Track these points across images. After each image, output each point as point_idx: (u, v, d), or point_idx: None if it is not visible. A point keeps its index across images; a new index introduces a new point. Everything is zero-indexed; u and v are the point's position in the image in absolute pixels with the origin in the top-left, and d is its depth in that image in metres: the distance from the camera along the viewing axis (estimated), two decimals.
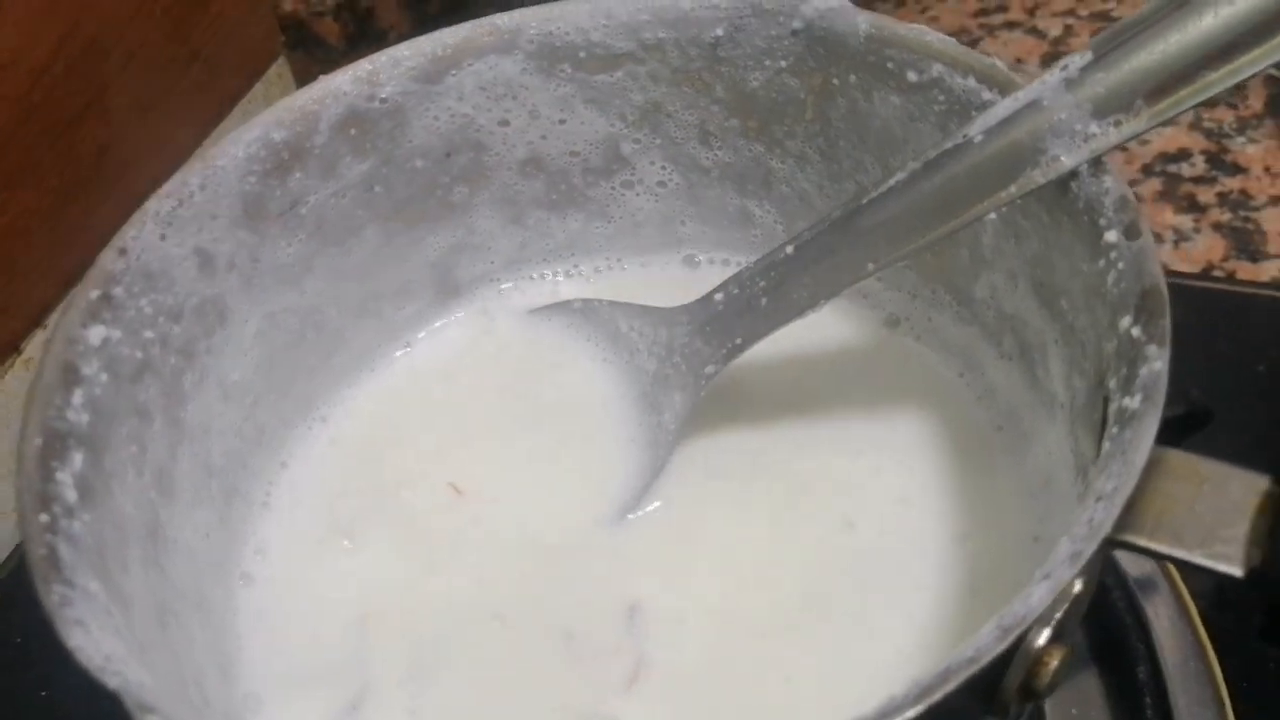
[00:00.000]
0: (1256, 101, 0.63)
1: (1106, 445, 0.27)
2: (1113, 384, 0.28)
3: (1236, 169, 0.60)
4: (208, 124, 0.59)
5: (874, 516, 0.36)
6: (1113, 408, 0.28)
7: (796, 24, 0.37)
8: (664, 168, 0.42)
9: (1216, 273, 0.55)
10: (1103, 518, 0.25)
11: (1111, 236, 0.30)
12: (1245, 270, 0.56)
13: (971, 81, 0.34)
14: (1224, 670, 0.39)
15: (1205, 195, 0.59)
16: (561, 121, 0.40)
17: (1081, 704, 0.39)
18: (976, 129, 0.32)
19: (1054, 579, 0.24)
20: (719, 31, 0.38)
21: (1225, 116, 0.62)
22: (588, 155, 0.41)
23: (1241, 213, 0.58)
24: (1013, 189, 0.31)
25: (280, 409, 0.39)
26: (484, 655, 0.35)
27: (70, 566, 0.27)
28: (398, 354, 0.42)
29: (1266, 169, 0.60)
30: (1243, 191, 0.59)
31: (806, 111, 0.39)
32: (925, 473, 0.37)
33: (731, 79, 0.39)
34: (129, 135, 0.54)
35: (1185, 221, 0.58)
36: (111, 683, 0.25)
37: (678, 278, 0.43)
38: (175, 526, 0.34)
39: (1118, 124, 0.30)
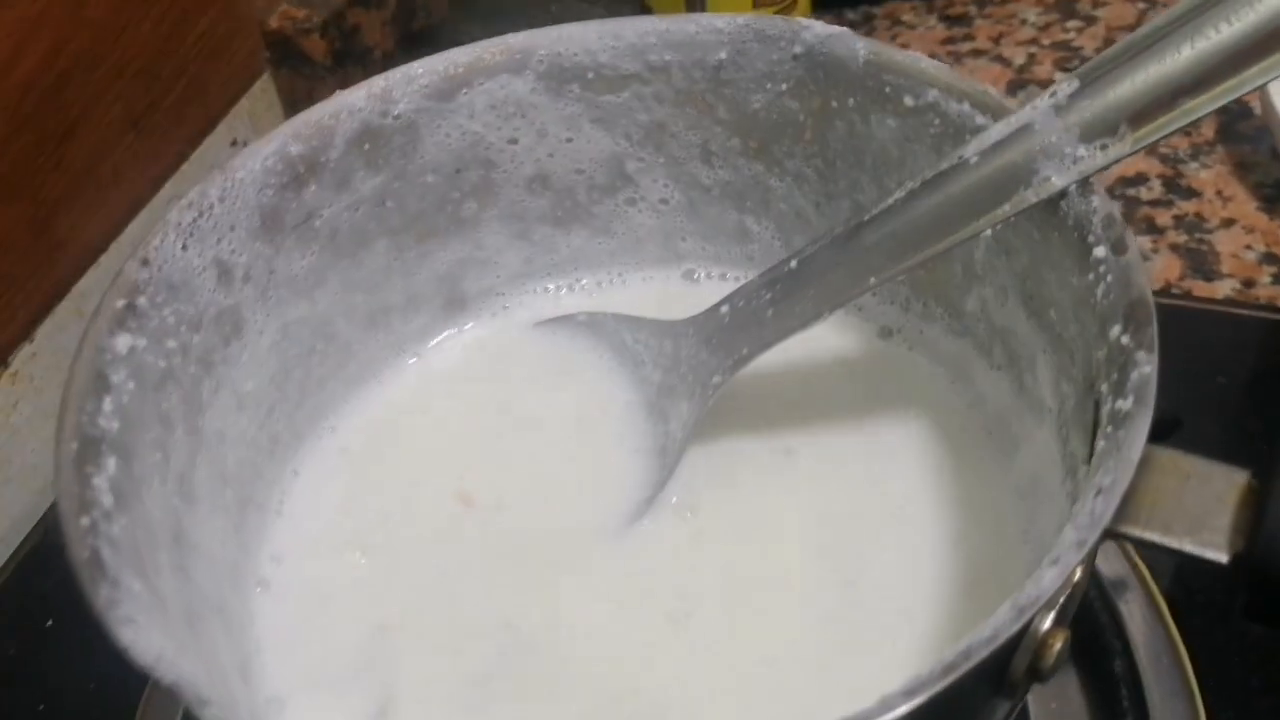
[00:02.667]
0: (1208, 129, 0.66)
1: (1101, 444, 0.29)
2: (1104, 388, 0.30)
3: (1191, 193, 0.63)
4: (194, 139, 0.60)
5: (871, 520, 0.38)
6: (1105, 410, 0.30)
7: (797, 49, 0.39)
8: (666, 185, 0.43)
9: (1175, 290, 0.58)
10: (1103, 509, 0.27)
11: (1100, 252, 0.32)
12: (1200, 289, 0.58)
13: (965, 106, 0.36)
14: (1194, 663, 0.41)
15: (1162, 218, 0.62)
16: (569, 140, 0.42)
17: (1061, 698, 0.41)
18: (972, 150, 0.34)
19: (1062, 564, 0.26)
20: (722, 55, 0.39)
21: (1180, 143, 0.65)
22: (593, 173, 0.43)
23: (1196, 234, 0.61)
24: (1007, 207, 0.33)
25: (293, 419, 0.40)
26: (498, 668, 0.36)
27: (114, 568, 0.28)
28: (406, 364, 0.43)
29: (1218, 193, 0.62)
30: (1197, 214, 0.62)
31: (806, 133, 0.40)
32: (919, 476, 0.39)
33: (733, 100, 0.40)
34: (117, 149, 0.55)
35: (1144, 242, 0.61)
36: (168, 677, 0.26)
37: (677, 292, 0.44)
38: (197, 532, 0.35)
39: (1104, 147, 0.32)
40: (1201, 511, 0.28)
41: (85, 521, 0.29)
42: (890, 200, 0.35)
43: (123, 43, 0.55)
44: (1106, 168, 0.32)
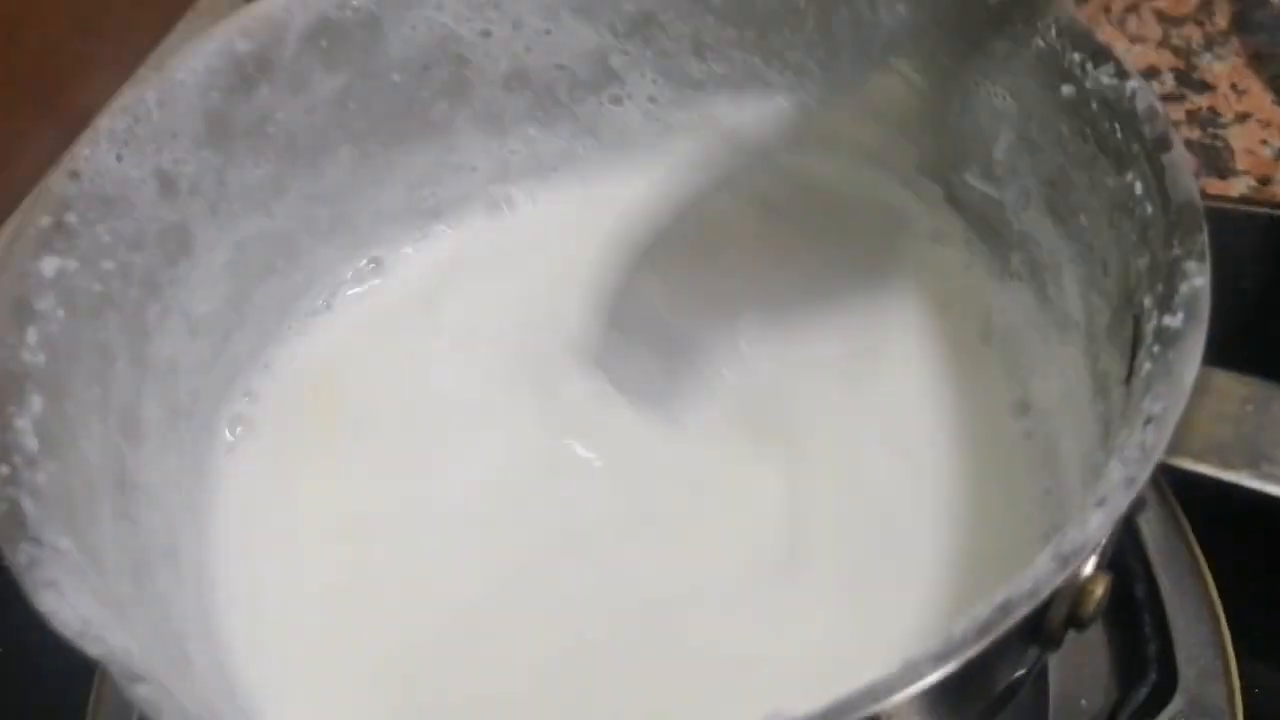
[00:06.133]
0: (1222, 19, 0.62)
1: (1148, 365, 0.26)
2: (1147, 301, 0.28)
3: (1204, 86, 0.60)
4: (155, 35, 0.55)
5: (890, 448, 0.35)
6: (1149, 326, 0.27)
7: None
8: (655, 81, 0.40)
9: None
10: (1154, 441, 0.24)
11: (1138, 149, 0.29)
12: (1215, 186, 0.56)
13: None
14: (1218, 585, 0.39)
15: (1175, 112, 0.59)
16: (547, 32, 0.38)
17: None
18: None
19: (1110, 505, 0.23)
20: None
21: (1193, 34, 0.62)
22: (574, 68, 0.39)
23: (1210, 130, 0.58)
24: None
25: (252, 343, 0.37)
26: (475, 565, 0.34)
27: (36, 523, 0.25)
28: (374, 281, 0.40)
29: (1233, 86, 0.60)
30: (1211, 109, 0.59)
31: (807, 20, 0.37)
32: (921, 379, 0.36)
33: None
34: (68, 46, 0.50)
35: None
36: (93, 650, 0.23)
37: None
38: (144, 473, 0.32)
39: None
40: (1262, 440, 0.25)
41: (4, 470, 0.26)
42: None
43: None
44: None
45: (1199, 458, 0.25)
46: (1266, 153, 0.56)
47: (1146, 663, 0.38)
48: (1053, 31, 0.32)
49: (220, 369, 0.36)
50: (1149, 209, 0.29)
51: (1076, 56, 0.31)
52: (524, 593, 0.34)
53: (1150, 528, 0.40)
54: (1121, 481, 0.23)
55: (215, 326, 0.36)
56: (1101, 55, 0.31)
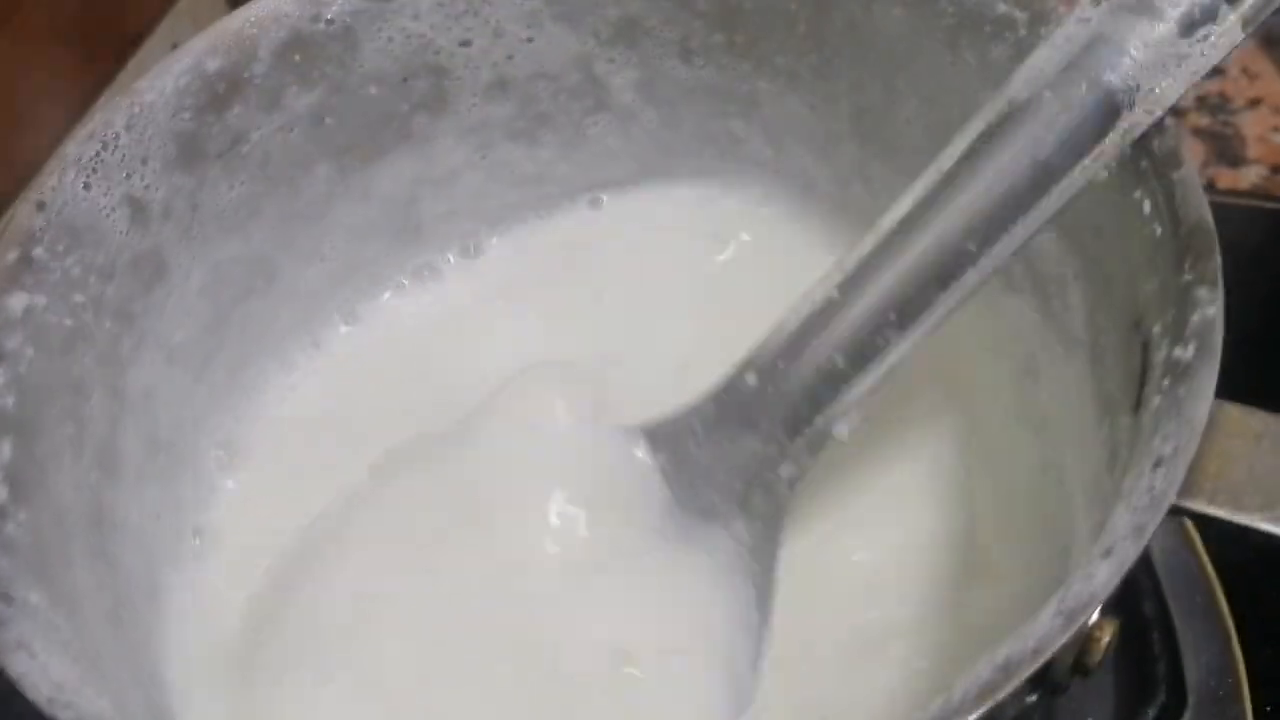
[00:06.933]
0: None
1: (1157, 400, 0.25)
2: (1156, 329, 0.26)
3: (1214, 70, 0.58)
4: (129, 46, 0.54)
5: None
6: (1158, 356, 0.26)
7: None
8: (641, 88, 0.38)
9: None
10: (1164, 486, 0.23)
11: (1147, 165, 0.28)
12: (1225, 177, 0.54)
13: None
14: (1229, 602, 0.38)
15: (1184, 99, 0.57)
16: (529, 40, 0.37)
17: None
18: (1021, 86, 0.27)
19: (1117, 556, 0.22)
20: None
21: None
22: (558, 77, 0.38)
23: (1220, 116, 0.57)
24: (1096, 154, 0.27)
25: (233, 369, 0.36)
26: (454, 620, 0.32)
27: (6, 579, 0.25)
28: (357, 304, 0.39)
29: (1244, 70, 0.58)
30: (1221, 94, 0.57)
31: (798, 25, 0.35)
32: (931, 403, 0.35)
33: None
34: (42, 62, 0.49)
35: None
36: (63, 717, 0.22)
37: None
38: (121, 509, 0.31)
39: (1205, 38, 0.27)
40: (1277, 480, 0.24)
41: None
42: (929, 183, 0.28)
43: None
44: (1215, 65, 0.27)
45: (1211, 500, 0.24)
46: (1279, 139, 0.55)
47: (1155, 683, 0.37)
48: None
49: (200, 396, 0.35)
50: (1158, 230, 0.27)
51: None
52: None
53: (1159, 543, 0.39)
54: (1130, 531, 0.22)
55: (194, 353, 0.35)
56: None
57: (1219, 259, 0.26)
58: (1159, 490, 0.23)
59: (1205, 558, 0.38)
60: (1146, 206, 0.28)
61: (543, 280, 0.40)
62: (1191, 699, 0.36)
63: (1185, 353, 0.25)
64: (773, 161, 0.39)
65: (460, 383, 0.37)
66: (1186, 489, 0.24)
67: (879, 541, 0.33)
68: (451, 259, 0.40)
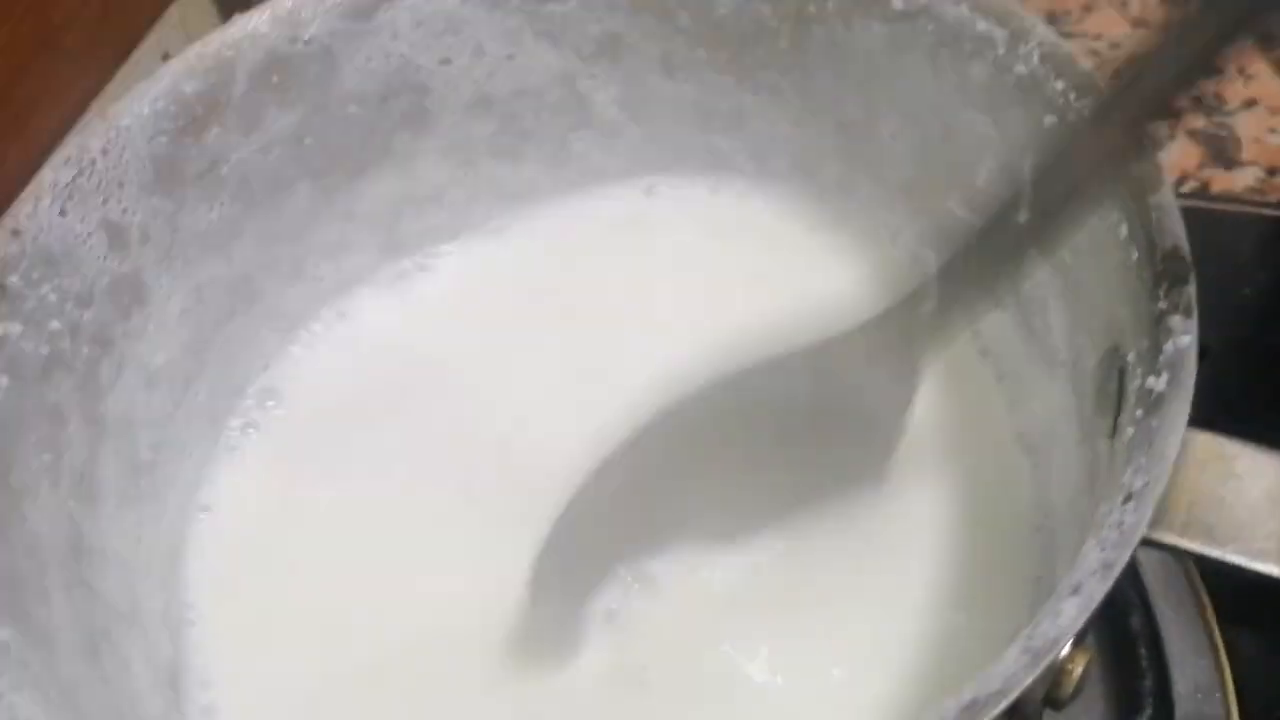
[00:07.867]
0: None
1: (1130, 431, 0.24)
2: (1131, 356, 0.26)
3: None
4: (119, 55, 0.54)
5: None
6: (1132, 385, 0.26)
7: None
8: (624, 104, 0.38)
9: (1191, 182, 0.53)
10: (1134, 521, 0.22)
11: (1124, 188, 0.27)
12: (1220, 179, 0.54)
13: (964, 10, 0.31)
14: (1217, 616, 0.38)
15: (1180, 100, 0.57)
16: (510, 57, 0.37)
17: None
18: None
19: (1084, 594, 0.22)
20: None
21: None
22: (540, 93, 0.38)
23: (1215, 118, 0.56)
24: None
25: (215, 391, 0.36)
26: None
27: None
28: (338, 322, 0.39)
29: (1240, 70, 0.57)
30: (1216, 95, 0.57)
31: (780, 41, 0.35)
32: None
33: (697, 6, 0.35)
34: (29, 73, 0.49)
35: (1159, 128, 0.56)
36: None
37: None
38: (102, 536, 0.31)
39: None
40: (1249, 514, 0.24)
41: None
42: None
43: None
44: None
45: (1183, 533, 0.24)
46: (1275, 141, 0.54)
47: (1142, 697, 0.37)
48: (1035, 58, 0.30)
49: (181, 419, 0.35)
50: (1134, 254, 0.27)
51: (1059, 85, 0.30)
52: None
53: (1147, 556, 0.38)
54: (1099, 567, 0.22)
55: (174, 376, 0.35)
56: (1085, 85, 0.29)
57: (1194, 287, 0.25)
58: (1128, 526, 0.22)
59: (1194, 571, 0.38)
60: (1124, 230, 0.28)
61: (531, 293, 0.40)
62: (1178, 714, 0.36)
63: (1158, 383, 0.24)
64: (756, 175, 0.39)
65: (445, 406, 0.37)
66: (1158, 520, 0.24)
67: None
68: (436, 276, 0.40)
